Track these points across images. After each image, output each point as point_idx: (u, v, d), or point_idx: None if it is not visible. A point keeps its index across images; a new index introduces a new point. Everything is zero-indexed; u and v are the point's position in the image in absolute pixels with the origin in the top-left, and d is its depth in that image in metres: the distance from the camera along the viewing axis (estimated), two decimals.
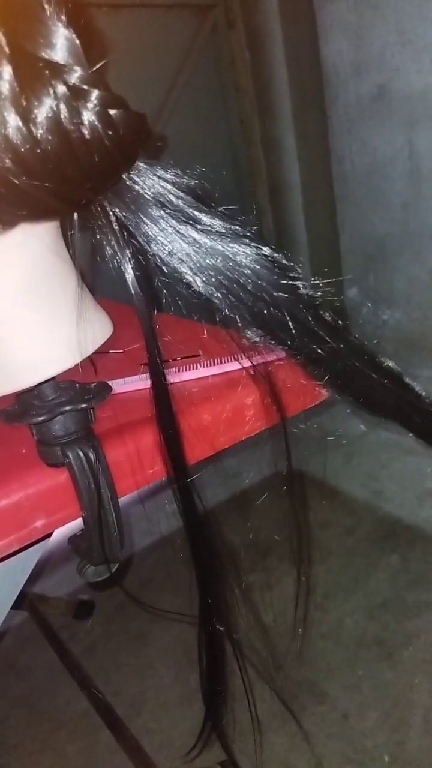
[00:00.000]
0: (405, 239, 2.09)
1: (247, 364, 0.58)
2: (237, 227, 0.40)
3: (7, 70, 0.29)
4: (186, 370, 0.66)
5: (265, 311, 0.42)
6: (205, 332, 0.75)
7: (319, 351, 0.45)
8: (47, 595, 1.63)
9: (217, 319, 0.44)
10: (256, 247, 0.40)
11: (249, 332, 0.45)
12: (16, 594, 0.68)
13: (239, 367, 0.64)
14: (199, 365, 0.66)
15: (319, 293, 0.44)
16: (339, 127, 2.14)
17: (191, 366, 0.66)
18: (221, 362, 0.65)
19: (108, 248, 0.39)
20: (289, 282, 0.42)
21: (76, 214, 0.38)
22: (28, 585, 1.61)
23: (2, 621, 0.71)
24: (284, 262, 0.42)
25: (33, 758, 1.26)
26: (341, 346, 0.46)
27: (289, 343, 0.44)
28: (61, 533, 0.56)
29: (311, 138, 2.18)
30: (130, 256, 0.39)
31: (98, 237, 0.39)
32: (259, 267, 0.41)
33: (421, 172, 1.93)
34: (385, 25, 1.83)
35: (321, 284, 0.44)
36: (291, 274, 0.42)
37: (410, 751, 1.14)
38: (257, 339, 0.45)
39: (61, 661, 1.44)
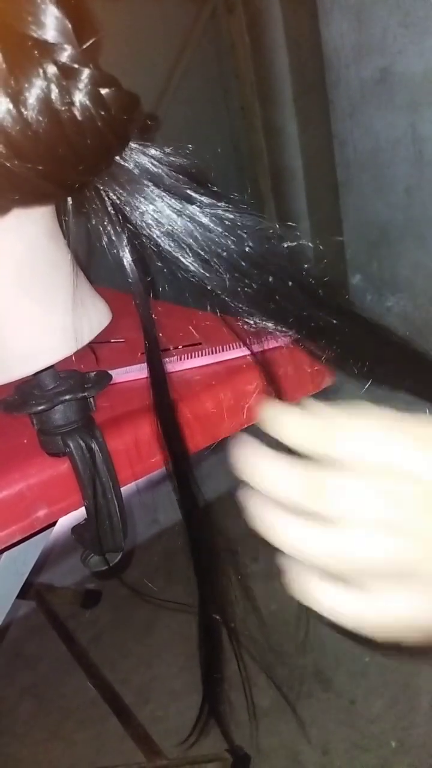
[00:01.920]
0: (409, 225, 2.07)
1: (248, 351, 0.57)
2: (234, 204, 0.39)
3: None
4: (187, 358, 0.65)
5: (268, 289, 0.41)
6: (207, 321, 0.74)
7: (325, 324, 0.44)
8: (54, 584, 1.63)
9: (218, 306, 0.43)
10: (255, 222, 0.39)
11: (250, 318, 0.44)
12: (20, 584, 0.68)
13: (240, 354, 0.63)
14: (200, 353, 0.65)
15: (322, 267, 0.43)
16: (341, 112, 2.12)
17: (193, 354, 0.66)
18: (222, 350, 0.65)
19: (104, 233, 0.38)
20: (290, 252, 0.41)
21: (70, 198, 0.37)
22: (35, 575, 1.62)
23: (7, 611, 0.71)
24: (282, 231, 0.41)
25: (42, 747, 1.27)
26: (346, 316, 0.45)
27: (292, 321, 0.44)
28: (66, 522, 0.56)
29: (313, 123, 2.16)
30: (126, 240, 0.38)
31: (94, 222, 0.38)
32: (258, 240, 0.40)
33: (425, 157, 1.91)
34: (386, 8, 1.80)
35: (321, 247, 0.43)
36: (291, 244, 0.41)
37: (417, 737, 1.14)
38: (259, 324, 0.45)
39: (69, 650, 1.44)
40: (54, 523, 0.58)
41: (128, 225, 0.38)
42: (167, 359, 0.66)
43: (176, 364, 0.65)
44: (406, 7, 1.76)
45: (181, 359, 0.65)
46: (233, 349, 0.64)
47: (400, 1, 1.77)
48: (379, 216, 2.16)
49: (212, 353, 0.65)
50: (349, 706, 1.23)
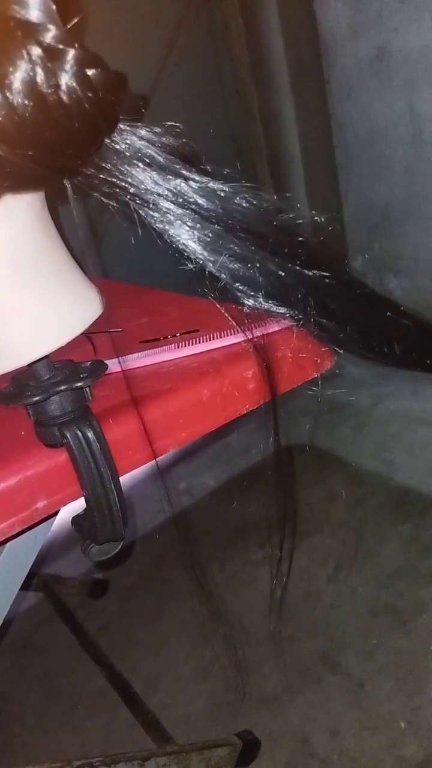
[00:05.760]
0: (409, 205, 2.05)
1: (247, 336, 0.56)
2: (227, 180, 0.38)
3: None
4: (185, 345, 0.65)
5: (268, 266, 0.41)
6: (205, 308, 0.74)
7: (327, 299, 0.43)
8: (61, 575, 1.64)
9: (217, 289, 0.43)
10: (251, 194, 0.39)
11: (251, 299, 0.43)
12: (24, 575, 0.68)
13: (239, 340, 0.63)
14: (197, 340, 0.65)
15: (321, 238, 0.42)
16: (338, 93, 2.09)
17: (190, 341, 0.65)
18: (220, 336, 0.64)
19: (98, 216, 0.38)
20: (289, 225, 0.40)
21: (60, 182, 0.36)
22: (41, 566, 1.63)
23: (12, 602, 0.71)
24: (281, 205, 0.40)
25: (53, 735, 1.28)
26: (348, 289, 0.44)
27: (293, 299, 0.43)
28: (69, 513, 0.56)
29: (310, 106, 2.13)
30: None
31: (86, 206, 0.38)
32: (256, 214, 0.39)
33: (424, 136, 1.89)
34: None
35: (321, 219, 0.42)
36: (290, 216, 0.41)
37: (426, 717, 1.15)
38: (260, 306, 0.44)
39: (77, 640, 1.45)
40: (55, 514, 0.58)
41: (122, 206, 0.37)
42: (165, 347, 0.66)
43: (173, 352, 0.64)
44: None
45: (178, 346, 0.65)
46: (231, 335, 0.64)
47: None
48: (379, 198, 2.14)
49: (210, 340, 0.64)
50: (358, 688, 1.24)
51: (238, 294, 0.43)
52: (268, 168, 2.28)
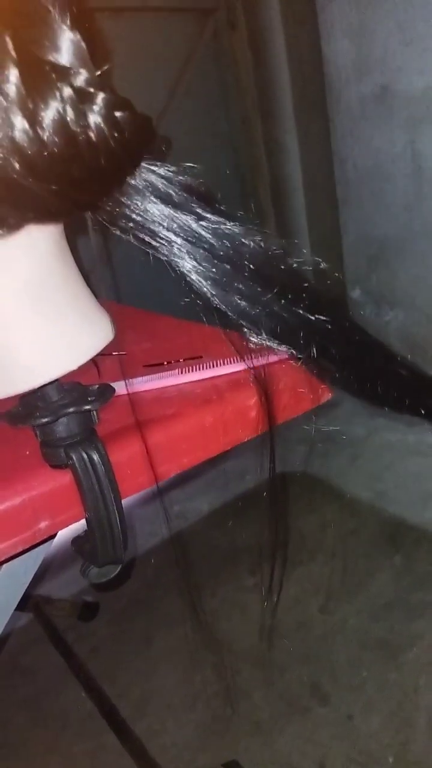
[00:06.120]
0: (408, 240, 2.09)
1: (248, 365, 0.58)
2: (240, 222, 0.40)
3: (14, 73, 0.29)
4: (188, 371, 0.66)
5: (271, 307, 0.42)
6: (209, 335, 0.75)
7: (327, 343, 0.45)
8: (52, 596, 1.63)
9: (222, 321, 0.44)
10: (261, 239, 0.40)
11: (253, 334, 0.45)
12: (20, 595, 0.68)
13: (241, 368, 0.64)
14: (201, 367, 0.66)
15: (325, 283, 0.44)
16: (341, 128, 2.14)
17: (193, 368, 0.66)
18: (223, 364, 0.65)
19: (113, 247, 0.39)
20: (296, 269, 0.42)
21: (88, 214, 0.38)
22: (33, 586, 1.62)
23: (7, 622, 0.71)
24: (287, 248, 0.42)
25: (39, 760, 1.26)
26: (348, 335, 0.46)
27: (294, 338, 0.44)
28: (65, 534, 0.56)
29: (313, 139, 2.18)
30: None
31: (104, 238, 0.39)
32: (263, 258, 0.41)
33: (424, 173, 1.93)
34: (387, 25, 1.83)
35: (323, 266, 0.44)
36: (297, 260, 0.42)
37: (415, 753, 1.14)
38: (262, 340, 0.45)
39: (66, 663, 1.44)
40: (54, 535, 0.59)
41: (138, 241, 0.39)
42: (168, 372, 0.67)
43: (177, 377, 0.65)
44: (406, 25, 1.79)
45: (182, 372, 0.66)
46: (235, 363, 0.65)
47: (400, 19, 1.79)
48: (378, 231, 2.18)
49: (213, 367, 0.66)
50: (347, 720, 1.23)
51: (242, 327, 0.44)
52: (270, 196, 2.32)
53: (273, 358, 0.57)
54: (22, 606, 1.50)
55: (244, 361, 0.51)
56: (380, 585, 1.54)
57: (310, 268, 0.44)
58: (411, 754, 1.14)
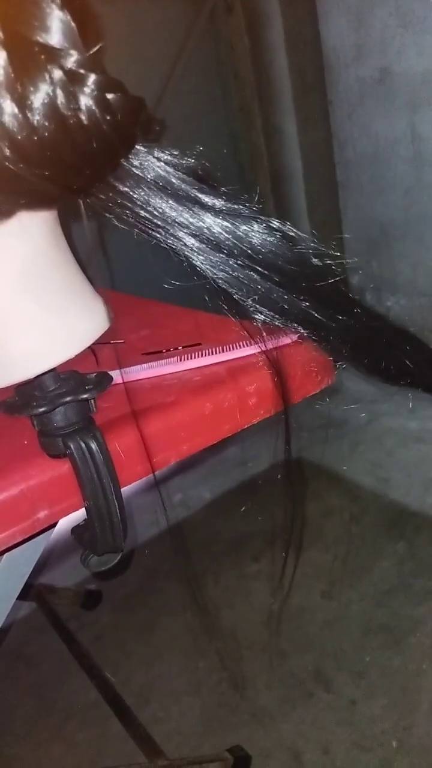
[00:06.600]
0: (408, 225, 2.07)
1: (254, 350, 0.57)
2: (241, 205, 0.39)
3: (2, 56, 0.29)
4: (188, 358, 0.65)
5: (278, 287, 0.41)
6: (208, 321, 0.74)
7: (335, 320, 0.44)
8: (55, 585, 1.63)
9: (226, 304, 0.44)
10: (264, 222, 0.40)
11: (259, 315, 0.44)
12: (21, 585, 0.68)
13: (242, 354, 0.63)
14: (200, 354, 0.65)
15: (329, 263, 0.43)
16: (340, 112, 2.12)
17: (193, 355, 0.66)
18: (222, 350, 0.65)
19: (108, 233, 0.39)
20: (301, 252, 0.41)
21: (80, 201, 0.37)
22: (35, 576, 1.62)
23: (8, 612, 0.71)
24: (295, 233, 0.41)
25: (43, 748, 1.27)
26: (356, 312, 0.45)
27: (302, 317, 0.44)
28: (66, 524, 0.56)
29: (313, 124, 2.16)
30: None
31: (98, 223, 0.38)
32: (268, 241, 0.40)
33: (424, 157, 1.91)
34: (385, 8, 1.80)
35: (329, 252, 0.43)
36: (302, 245, 0.41)
37: (418, 737, 1.15)
38: (268, 320, 0.45)
39: (70, 651, 1.45)
40: (55, 524, 0.58)
41: (135, 226, 0.38)
42: (167, 360, 0.66)
43: (176, 365, 0.65)
44: (404, 7, 1.76)
45: (181, 360, 0.65)
46: (234, 349, 0.64)
47: (398, 1, 1.77)
48: (378, 216, 2.17)
49: (212, 354, 0.65)
50: (350, 705, 1.23)
51: (248, 309, 0.44)
52: (270, 181, 2.30)
53: (285, 340, 0.57)
54: (24, 595, 1.51)
55: (255, 343, 0.50)
56: (383, 571, 1.55)
57: (312, 251, 0.43)
58: (414, 738, 1.15)
